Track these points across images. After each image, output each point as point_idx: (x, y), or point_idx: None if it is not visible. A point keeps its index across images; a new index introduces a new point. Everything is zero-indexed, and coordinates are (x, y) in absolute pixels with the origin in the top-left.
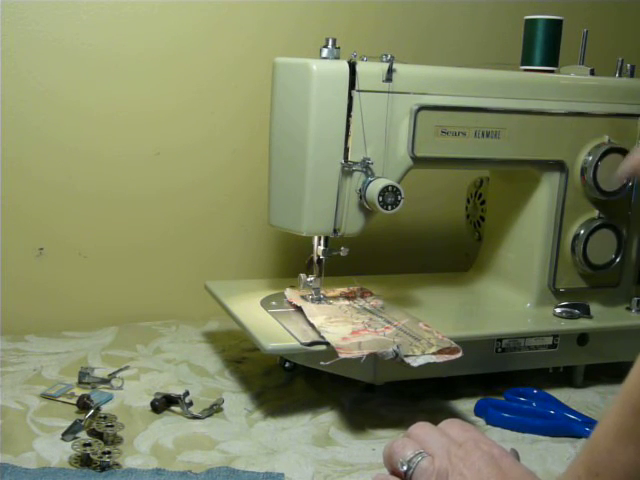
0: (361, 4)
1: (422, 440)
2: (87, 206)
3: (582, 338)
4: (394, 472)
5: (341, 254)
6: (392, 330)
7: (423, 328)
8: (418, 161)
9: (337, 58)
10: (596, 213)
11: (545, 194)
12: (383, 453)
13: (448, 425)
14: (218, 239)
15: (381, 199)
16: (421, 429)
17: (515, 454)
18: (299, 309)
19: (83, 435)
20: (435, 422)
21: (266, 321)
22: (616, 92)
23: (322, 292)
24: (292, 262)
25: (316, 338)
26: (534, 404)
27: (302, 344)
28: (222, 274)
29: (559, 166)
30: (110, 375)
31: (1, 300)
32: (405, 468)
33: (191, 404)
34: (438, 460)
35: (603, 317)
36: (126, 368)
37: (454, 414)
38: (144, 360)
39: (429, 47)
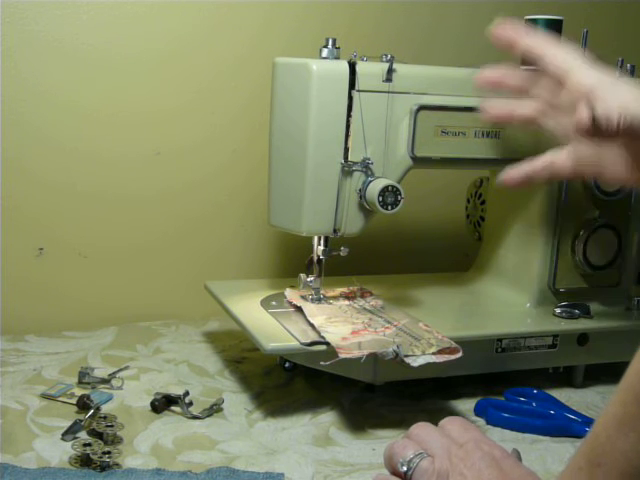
0: (361, 4)
1: (423, 440)
2: (87, 206)
3: (582, 338)
4: (395, 473)
5: (341, 254)
6: (392, 330)
7: (423, 328)
8: (418, 161)
9: (337, 58)
10: (596, 213)
11: (545, 194)
12: (384, 454)
13: (449, 424)
14: (218, 239)
15: (381, 199)
16: (422, 429)
17: (517, 454)
18: (299, 309)
19: (83, 435)
20: (435, 422)
21: (266, 321)
22: None
23: (322, 292)
24: (292, 262)
25: (316, 338)
26: (534, 404)
27: (302, 344)
28: (222, 274)
29: None
30: (110, 375)
31: (1, 300)
32: (405, 469)
33: (191, 404)
34: (439, 461)
35: (603, 317)
36: (126, 368)
37: (454, 414)
38: (144, 360)
39: (429, 47)
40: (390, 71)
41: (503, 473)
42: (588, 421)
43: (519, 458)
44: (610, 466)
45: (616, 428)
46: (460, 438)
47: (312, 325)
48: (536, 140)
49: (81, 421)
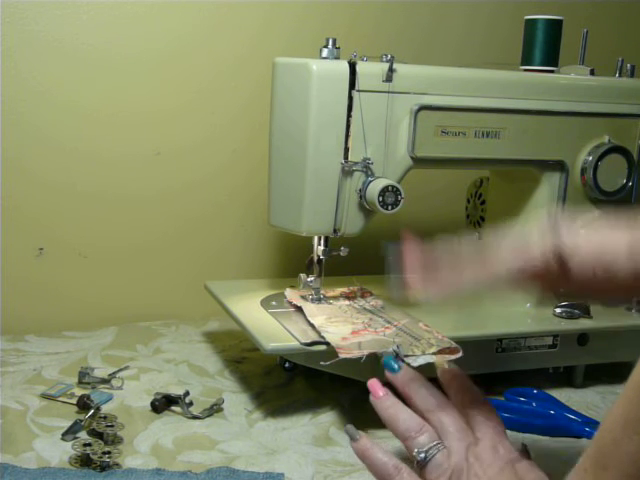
0: (361, 4)
1: (441, 428)
2: (87, 206)
3: (582, 338)
4: (405, 444)
5: (341, 254)
6: (392, 330)
7: (423, 328)
8: (418, 161)
9: (337, 58)
10: (596, 213)
11: (545, 194)
12: (387, 412)
13: (473, 407)
14: (218, 239)
15: (381, 199)
16: (444, 408)
17: (525, 449)
18: (299, 309)
19: (83, 435)
20: None
21: (266, 321)
22: (616, 92)
23: (322, 292)
24: (292, 262)
25: (316, 338)
26: (534, 404)
27: (302, 344)
28: (222, 274)
29: (559, 166)
30: (110, 375)
31: (1, 300)
32: (423, 456)
33: (191, 404)
34: (454, 457)
35: (603, 317)
36: (126, 368)
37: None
38: (144, 360)
39: (429, 47)
40: (390, 71)
41: (517, 477)
42: (588, 421)
43: (527, 452)
44: (616, 469)
45: (622, 429)
46: (479, 432)
47: (312, 325)
48: (536, 141)
49: (81, 421)
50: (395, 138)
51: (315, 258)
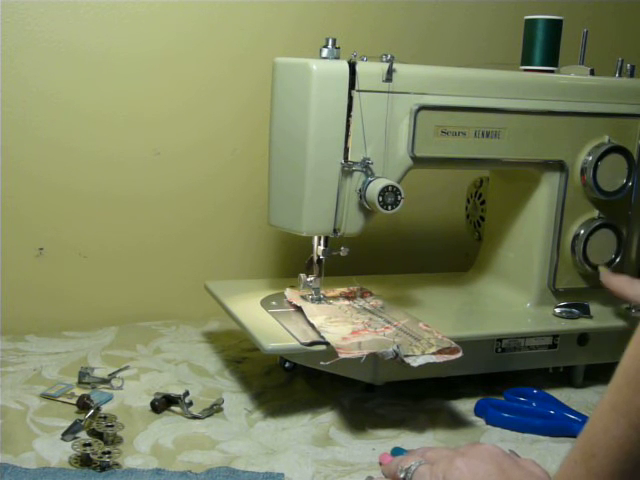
0: (361, 4)
1: (425, 453)
2: (87, 206)
3: (582, 338)
4: None
5: (341, 254)
6: (392, 330)
7: (423, 328)
8: (418, 161)
9: (337, 58)
10: (596, 213)
11: (545, 194)
12: (383, 472)
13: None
14: (218, 239)
15: (381, 199)
16: (431, 449)
17: (513, 455)
18: (299, 309)
19: (83, 435)
20: (434, 422)
21: (266, 321)
22: (616, 92)
23: (322, 292)
24: (292, 262)
25: (316, 338)
26: (534, 404)
27: (302, 344)
28: (222, 274)
29: (559, 166)
30: (110, 375)
31: (1, 300)
32: (403, 475)
33: (191, 404)
34: (437, 465)
35: (603, 317)
36: (126, 368)
37: (454, 414)
38: (144, 360)
39: (429, 47)
40: (390, 71)
41: (501, 470)
42: None
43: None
44: (604, 454)
45: (610, 415)
46: (465, 450)
47: (312, 325)
48: (536, 141)
49: (81, 421)
50: (395, 138)
51: (315, 258)
